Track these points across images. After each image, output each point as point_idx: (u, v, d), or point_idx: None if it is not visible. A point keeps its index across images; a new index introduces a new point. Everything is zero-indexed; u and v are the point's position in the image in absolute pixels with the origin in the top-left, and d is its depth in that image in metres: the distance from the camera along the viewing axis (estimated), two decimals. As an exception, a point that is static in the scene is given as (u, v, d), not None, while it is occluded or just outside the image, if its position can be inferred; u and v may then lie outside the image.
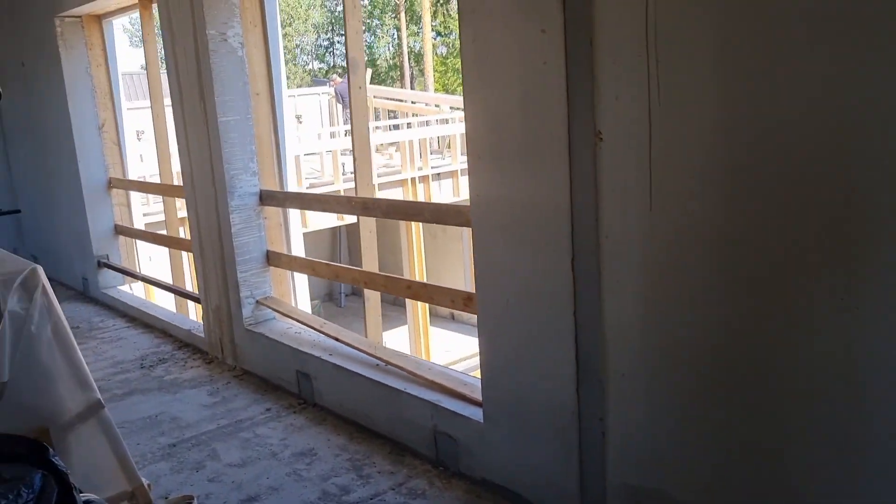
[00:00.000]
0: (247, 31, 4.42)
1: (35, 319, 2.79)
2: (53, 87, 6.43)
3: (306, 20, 39.20)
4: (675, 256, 2.36)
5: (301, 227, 5.02)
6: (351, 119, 3.95)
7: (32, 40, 6.64)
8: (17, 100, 7.38)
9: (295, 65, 40.70)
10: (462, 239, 15.25)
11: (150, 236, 6.13)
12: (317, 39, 42.94)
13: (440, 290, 3.54)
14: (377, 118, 17.48)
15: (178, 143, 4.84)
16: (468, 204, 3.02)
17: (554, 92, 2.55)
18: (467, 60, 2.83)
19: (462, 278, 15.86)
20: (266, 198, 4.55)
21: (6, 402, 2.58)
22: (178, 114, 4.76)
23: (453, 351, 14.24)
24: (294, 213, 4.82)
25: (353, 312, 18.17)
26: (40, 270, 2.83)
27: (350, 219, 12.07)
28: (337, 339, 4.09)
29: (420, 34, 33.92)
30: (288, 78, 38.69)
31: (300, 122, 15.71)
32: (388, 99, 17.15)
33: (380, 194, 11.99)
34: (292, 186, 4.70)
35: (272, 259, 4.65)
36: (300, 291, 4.92)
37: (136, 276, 6.21)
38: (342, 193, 11.55)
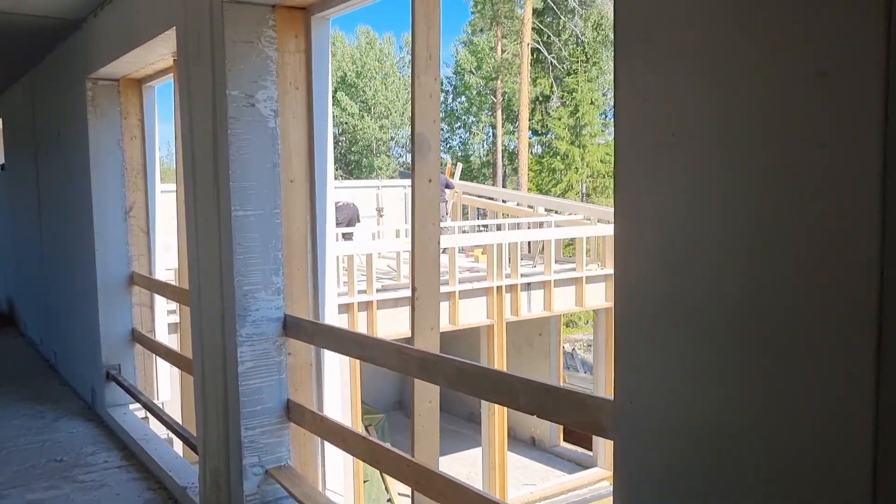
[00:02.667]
0: (284, 94, 3.18)
1: None
2: (79, 160, 5.38)
3: (403, 113, 39.14)
4: None
5: (341, 365, 3.62)
6: (413, 226, 2.60)
7: (69, 107, 5.66)
8: (53, 174, 6.42)
9: (388, 156, 40.57)
10: (550, 356, 13.54)
11: (164, 350, 4.87)
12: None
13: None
14: (465, 216, 16.33)
15: (188, 242, 3.59)
16: (599, 394, 1.59)
17: (836, 206, 1.11)
18: (624, 135, 1.43)
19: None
20: (292, 327, 3.20)
21: None
22: (189, 202, 3.52)
23: (534, 485, 12.35)
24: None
25: (424, 425, 16.52)
26: None
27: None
28: (366, 563, 2.62)
29: (516, 133, 33.27)
30: (380, 169, 38.51)
31: (381, 216, 14.63)
32: (478, 196, 15.98)
33: (461, 303, 10.61)
34: (331, 313, 3.33)
35: (294, 413, 3.26)
36: (332, 457, 3.49)
37: (138, 399, 4.91)
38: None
